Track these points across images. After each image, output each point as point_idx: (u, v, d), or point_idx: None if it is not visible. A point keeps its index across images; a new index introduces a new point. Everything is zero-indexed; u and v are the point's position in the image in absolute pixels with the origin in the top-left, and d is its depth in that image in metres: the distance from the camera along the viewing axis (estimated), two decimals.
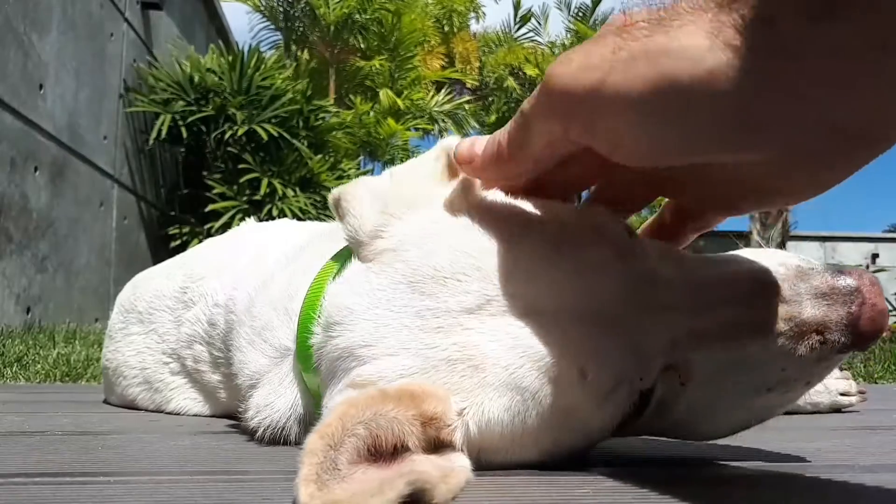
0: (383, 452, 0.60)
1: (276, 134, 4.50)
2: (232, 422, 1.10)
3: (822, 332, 0.63)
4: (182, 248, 2.12)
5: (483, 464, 0.66)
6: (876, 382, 2.84)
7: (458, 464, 0.62)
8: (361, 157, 5.77)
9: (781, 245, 10.24)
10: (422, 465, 0.60)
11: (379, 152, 5.99)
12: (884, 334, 0.65)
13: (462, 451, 0.65)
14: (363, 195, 0.79)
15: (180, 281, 1.35)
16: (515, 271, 0.66)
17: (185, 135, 5.06)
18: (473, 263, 0.67)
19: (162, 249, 4.52)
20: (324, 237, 0.98)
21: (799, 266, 0.67)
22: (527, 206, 0.72)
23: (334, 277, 0.77)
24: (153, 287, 1.43)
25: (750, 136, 0.49)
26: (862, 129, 0.49)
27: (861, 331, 0.63)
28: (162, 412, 1.30)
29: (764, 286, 0.65)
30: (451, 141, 0.77)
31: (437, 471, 0.58)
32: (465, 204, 0.73)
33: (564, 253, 0.66)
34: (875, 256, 11.14)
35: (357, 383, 0.66)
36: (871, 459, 0.77)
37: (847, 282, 0.64)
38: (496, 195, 0.77)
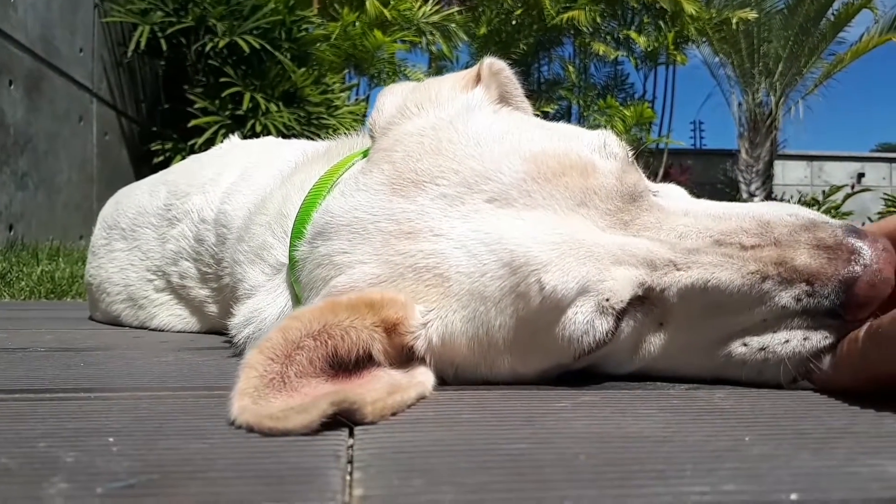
0: (346, 364, 0.61)
1: (258, 46, 4.37)
2: (217, 338, 1.11)
3: (812, 282, 0.60)
4: (165, 164, 2.09)
5: (459, 379, 0.67)
6: None
7: (419, 378, 0.63)
8: (347, 71, 5.62)
9: (769, 164, 10.24)
10: (375, 381, 0.60)
11: (365, 65, 5.84)
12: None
13: (427, 362, 0.65)
14: (397, 91, 0.82)
15: (164, 198, 1.34)
16: (494, 181, 0.65)
17: (164, 47, 4.90)
18: (454, 167, 0.66)
19: (145, 166, 4.45)
20: (319, 156, 0.98)
21: (811, 219, 0.64)
22: (539, 129, 0.71)
23: (330, 189, 0.78)
24: (136, 204, 1.42)
25: None
26: None
27: (856, 292, 0.59)
28: (146, 329, 1.31)
29: (761, 227, 0.63)
30: (495, 60, 0.81)
31: (386, 387, 0.59)
32: (469, 111, 0.73)
33: (553, 171, 0.65)
34: (861, 176, 11.17)
35: (332, 294, 0.65)
36: None
37: (857, 242, 0.61)
38: (510, 112, 0.77)
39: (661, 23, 9.82)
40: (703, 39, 10.23)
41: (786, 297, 0.61)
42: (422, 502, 0.36)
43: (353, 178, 0.73)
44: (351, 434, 0.51)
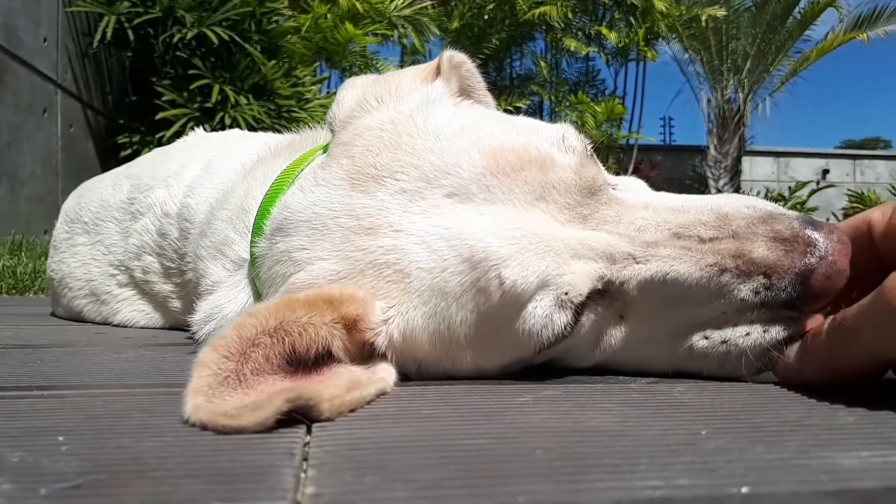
0: (306, 361, 0.60)
1: (227, 38, 4.30)
2: (181, 334, 1.09)
3: (770, 275, 0.61)
4: (132, 157, 2.04)
5: (422, 375, 0.66)
6: None
7: (380, 375, 0.62)
8: (318, 64, 5.57)
9: (737, 160, 10.38)
10: (335, 378, 0.60)
11: (336, 58, 5.78)
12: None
13: (389, 358, 0.65)
14: (358, 84, 0.81)
15: (127, 191, 1.32)
16: (453, 176, 0.64)
17: (131, 38, 4.81)
18: (413, 162, 0.66)
19: (111, 159, 4.36)
20: (282, 150, 0.98)
21: (769, 211, 0.64)
22: (499, 123, 0.70)
23: (291, 183, 0.77)
24: (99, 197, 1.40)
25: None
26: None
27: (812, 284, 0.60)
28: (109, 324, 1.29)
29: (719, 219, 0.63)
30: (455, 53, 0.81)
31: (345, 384, 0.58)
32: (428, 105, 0.73)
33: (512, 165, 0.64)
34: (826, 172, 11.38)
35: (291, 291, 0.65)
36: None
37: (814, 234, 0.61)
38: (470, 106, 0.77)
39: (631, 19, 9.88)
40: (673, 36, 10.32)
41: (744, 290, 0.61)
42: (374, 500, 0.36)
43: (313, 173, 0.72)
44: (308, 431, 0.50)
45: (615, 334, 0.67)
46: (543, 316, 0.61)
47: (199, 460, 0.43)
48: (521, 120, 0.76)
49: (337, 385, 0.58)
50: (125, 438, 0.48)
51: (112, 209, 1.33)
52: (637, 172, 9.52)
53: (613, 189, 0.69)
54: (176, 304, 1.18)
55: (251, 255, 0.79)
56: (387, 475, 0.39)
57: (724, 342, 0.64)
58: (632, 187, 0.74)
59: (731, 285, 0.62)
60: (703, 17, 9.81)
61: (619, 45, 10.14)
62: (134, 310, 1.29)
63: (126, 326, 1.26)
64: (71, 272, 1.38)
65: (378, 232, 0.64)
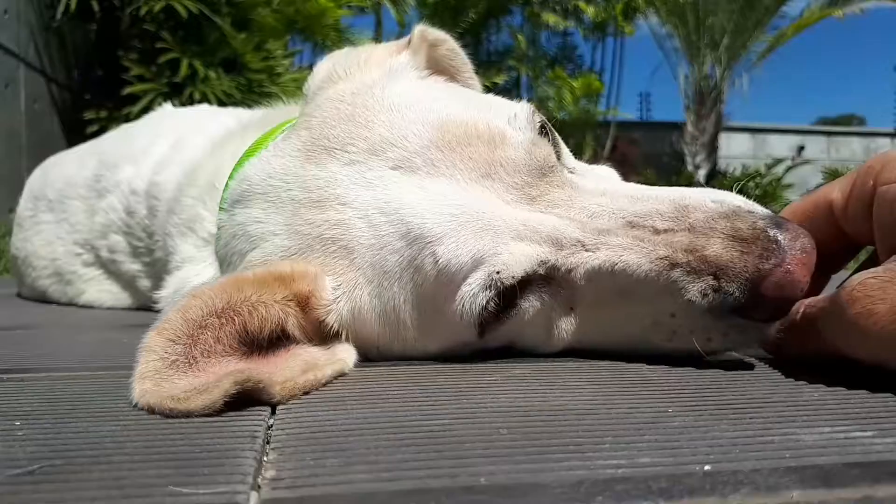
0: (260, 342, 0.59)
1: (195, 11, 4.20)
2: (149, 315, 1.07)
3: (719, 276, 0.56)
4: (99, 133, 1.99)
5: (383, 356, 0.66)
6: None
7: (339, 356, 0.62)
8: (290, 37, 5.47)
9: (714, 137, 10.44)
10: (291, 359, 0.59)
11: (308, 32, 5.68)
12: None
13: (343, 338, 0.64)
14: (334, 56, 0.79)
15: (93, 168, 1.29)
16: (399, 148, 0.63)
17: (96, 10, 4.69)
18: (364, 134, 0.64)
19: (77, 135, 4.26)
20: (254, 124, 0.97)
21: (735, 207, 0.59)
22: (458, 98, 0.69)
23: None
24: (64, 174, 1.37)
25: None
26: None
27: (761, 292, 0.55)
28: (75, 305, 1.27)
29: (677, 210, 0.59)
30: (431, 29, 0.79)
31: (301, 365, 0.58)
32: (390, 77, 0.71)
33: (458, 139, 0.62)
34: (801, 149, 11.50)
35: (248, 269, 0.64)
36: None
37: (777, 236, 0.56)
38: (437, 80, 0.75)
39: None
40: (651, 11, 10.30)
41: (693, 290, 0.58)
42: (334, 482, 0.35)
43: (274, 145, 0.72)
44: (273, 413, 0.50)
45: (566, 326, 0.65)
46: (472, 295, 0.58)
47: (159, 444, 0.42)
48: (485, 97, 0.74)
49: (292, 367, 0.57)
50: (84, 422, 0.47)
51: (78, 186, 1.30)
52: (615, 150, 9.55)
53: (571, 173, 0.67)
54: (144, 283, 1.16)
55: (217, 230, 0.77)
56: (348, 457, 0.39)
57: (679, 337, 0.61)
58: (597, 174, 0.71)
59: (680, 282, 0.58)
60: None
61: (597, 20, 10.11)
62: (100, 290, 1.26)
63: (92, 307, 1.24)
64: (35, 251, 1.35)
65: (325, 205, 0.63)
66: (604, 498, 0.33)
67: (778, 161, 9.22)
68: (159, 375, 0.50)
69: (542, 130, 0.66)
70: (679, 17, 10.47)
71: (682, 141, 10.88)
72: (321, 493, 0.34)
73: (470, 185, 0.61)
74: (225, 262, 0.71)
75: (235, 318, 0.57)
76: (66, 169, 1.38)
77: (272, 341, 0.60)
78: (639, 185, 0.67)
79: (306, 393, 0.54)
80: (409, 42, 0.77)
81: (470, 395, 0.53)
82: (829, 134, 12.19)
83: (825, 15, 10.35)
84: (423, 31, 0.78)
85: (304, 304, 0.61)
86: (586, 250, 0.60)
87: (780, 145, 11.71)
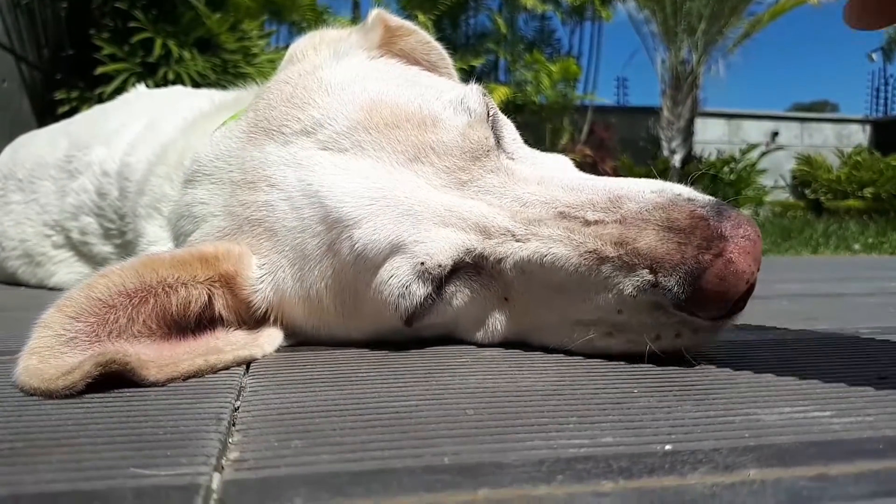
0: (187, 324, 0.59)
1: None
2: None
3: (656, 270, 0.52)
4: (71, 114, 1.94)
5: (311, 340, 0.65)
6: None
7: (260, 340, 0.62)
8: (265, 18, 5.39)
9: (690, 122, 10.50)
10: (206, 342, 0.59)
11: (284, 12, 5.60)
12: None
13: (271, 320, 0.63)
14: (303, 38, 0.78)
15: (64, 149, 1.27)
16: (328, 129, 0.62)
17: None
18: (298, 115, 0.64)
19: (48, 116, 4.18)
20: (227, 105, 0.96)
21: (675, 195, 0.55)
22: (397, 80, 0.67)
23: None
24: (34, 154, 1.34)
25: None
26: None
27: (702, 285, 0.51)
28: (45, 288, 1.25)
29: (610, 201, 0.56)
30: (389, 15, 0.78)
31: (202, 348, 0.58)
32: (336, 58, 0.71)
33: (386, 121, 0.61)
34: (775, 134, 11.59)
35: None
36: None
37: (718, 225, 0.52)
38: (386, 61, 0.75)
39: None
40: None
41: (627, 285, 0.54)
42: (298, 464, 0.35)
43: (226, 126, 0.71)
44: (239, 396, 0.49)
45: (501, 317, 0.63)
46: (399, 285, 0.57)
47: (123, 427, 0.42)
48: (435, 80, 0.73)
49: (191, 350, 0.57)
50: (46, 406, 0.47)
51: (48, 167, 1.28)
52: (592, 134, 9.56)
53: (510, 158, 0.64)
54: None
55: None
56: (313, 439, 0.39)
57: (608, 335, 0.58)
58: (543, 162, 0.68)
59: (613, 278, 0.54)
60: None
61: (575, 4, 10.08)
62: (71, 272, 1.25)
63: (62, 290, 1.22)
64: (3, 231, 1.33)
65: (257, 187, 0.63)
66: (565, 477, 0.34)
67: (752, 146, 9.28)
68: (50, 352, 0.50)
69: (486, 113, 0.63)
70: (657, 2, 10.47)
71: (659, 126, 10.93)
72: (284, 475, 0.34)
73: (396, 168, 0.59)
74: (175, 242, 0.71)
75: (151, 298, 0.56)
76: (36, 149, 1.35)
77: (205, 323, 0.60)
78: (581, 175, 0.64)
79: (196, 376, 0.54)
80: (364, 24, 0.76)
81: (438, 377, 0.53)
82: (802, 120, 12.30)
83: (801, 2, 10.43)
84: (380, 12, 0.77)
85: (231, 283, 0.61)
86: (516, 240, 0.58)
87: (755, 131, 11.79)
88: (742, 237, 0.51)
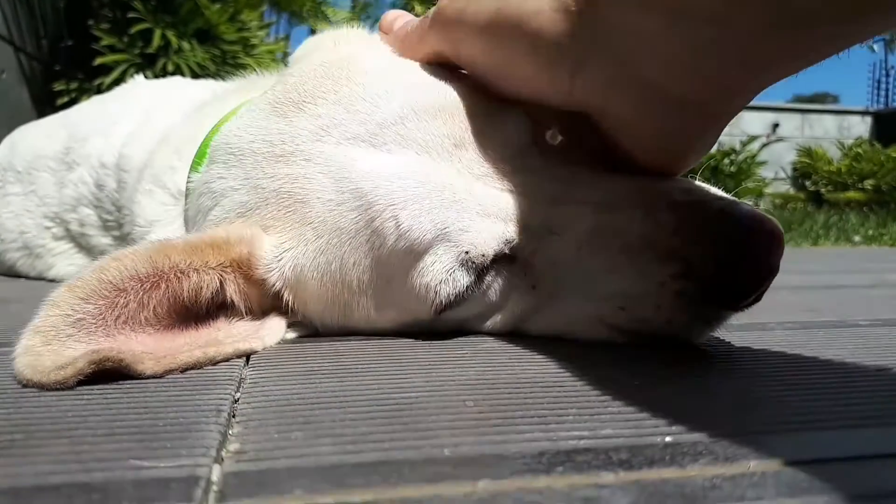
0: (197, 310, 0.59)
1: None
2: None
3: (691, 261, 0.53)
4: (70, 105, 1.93)
5: (322, 325, 0.65)
6: None
7: (262, 332, 0.61)
8: (264, 8, 5.37)
9: None
10: (210, 332, 0.59)
11: (283, 3, 5.58)
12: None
13: (286, 303, 0.63)
14: (327, 31, 0.80)
15: (63, 141, 1.26)
16: (370, 106, 0.62)
17: None
18: (333, 87, 0.64)
19: (48, 107, 4.17)
20: (229, 94, 0.95)
21: (704, 193, 0.56)
22: (441, 74, 0.66)
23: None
24: (33, 145, 1.34)
25: (567, 82, 0.54)
26: (682, 94, 0.51)
27: (739, 280, 0.53)
28: (44, 279, 1.25)
29: (646, 199, 0.56)
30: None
31: (202, 339, 0.57)
32: (372, 47, 0.72)
33: (432, 106, 0.61)
34: (775, 126, 11.57)
35: (208, 227, 0.63)
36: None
37: (747, 223, 0.53)
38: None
39: None
40: None
41: (664, 275, 0.54)
42: (298, 455, 0.35)
43: (249, 103, 0.71)
44: (240, 387, 0.49)
45: (526, 306, 0.63)
46: (443, 271, 0.57)
47: (122, 418, 0.42)
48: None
49: (191, 341, 0.56)
50: (46, 397, 0.47)
51: (47, 159, 1.28)
52: None
53: (545, 154, 0.63)
54: None
55: (186, 190, 0.76)
56: (313, 431, 0.39)
57: (642, 321, 0.57)
58: (571, 158, 0.66)
59: (647, 268, 0.55)
60: None
61: None
62: (70, 264, 1.25)
63: (62, 281, 1.22)
64: (2, 223, 1.33)
65: (288, 159, 0.62)
66: (564, 468, 0.34)
67: (753, 138, 9.26)
68: (55, 332, 0.49)
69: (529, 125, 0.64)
70: None
71: None
72: (284, 466, 0.34)
73: (440, 155, 0.60)
74: (191, 221, 0.70)
75: (162, 283, 0.55)
76: (35, 141, 1.35)
77: (215, 310, 0.60)
78: (612, 173, 0.63)
79: (193, 368, 0.53)
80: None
81: (439, 369, 0.53)
82: (803, 111, 12.27)
83: None
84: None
85: (245, 267, 0.60)
86: (553, 234, 0.58)
87: (756, 123, 11.76)
88: (763, 221, 0.53)
